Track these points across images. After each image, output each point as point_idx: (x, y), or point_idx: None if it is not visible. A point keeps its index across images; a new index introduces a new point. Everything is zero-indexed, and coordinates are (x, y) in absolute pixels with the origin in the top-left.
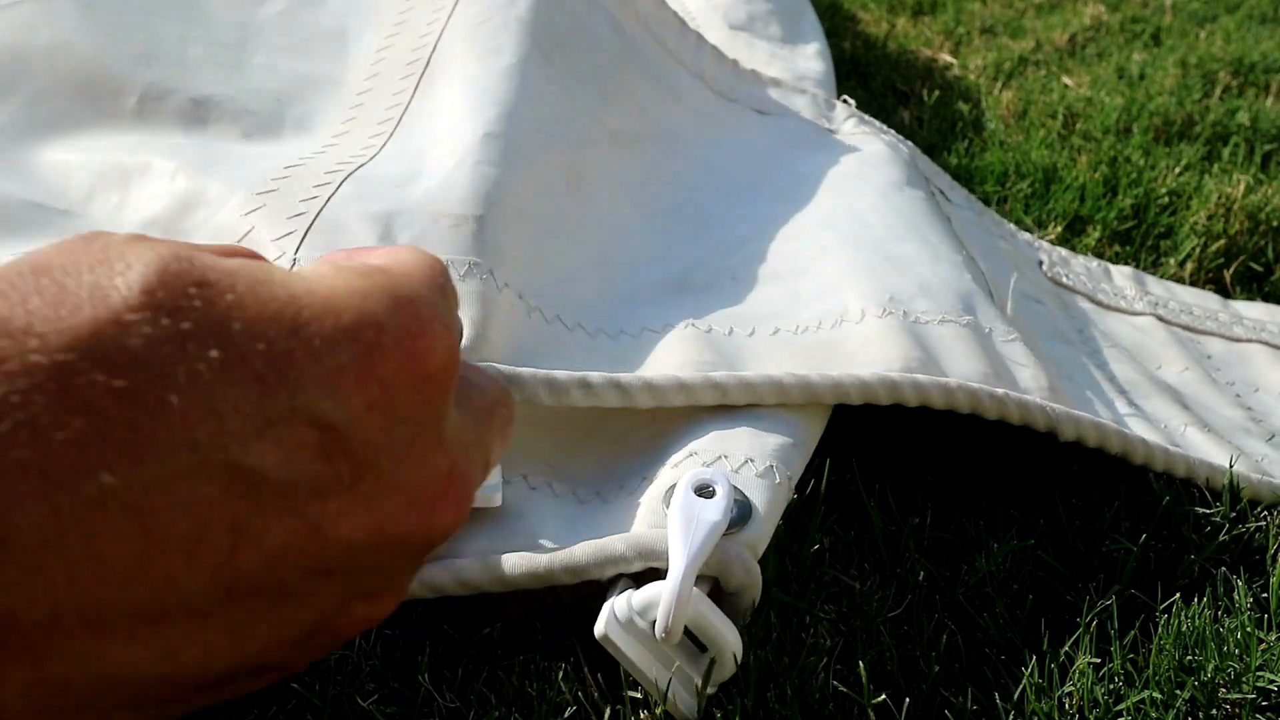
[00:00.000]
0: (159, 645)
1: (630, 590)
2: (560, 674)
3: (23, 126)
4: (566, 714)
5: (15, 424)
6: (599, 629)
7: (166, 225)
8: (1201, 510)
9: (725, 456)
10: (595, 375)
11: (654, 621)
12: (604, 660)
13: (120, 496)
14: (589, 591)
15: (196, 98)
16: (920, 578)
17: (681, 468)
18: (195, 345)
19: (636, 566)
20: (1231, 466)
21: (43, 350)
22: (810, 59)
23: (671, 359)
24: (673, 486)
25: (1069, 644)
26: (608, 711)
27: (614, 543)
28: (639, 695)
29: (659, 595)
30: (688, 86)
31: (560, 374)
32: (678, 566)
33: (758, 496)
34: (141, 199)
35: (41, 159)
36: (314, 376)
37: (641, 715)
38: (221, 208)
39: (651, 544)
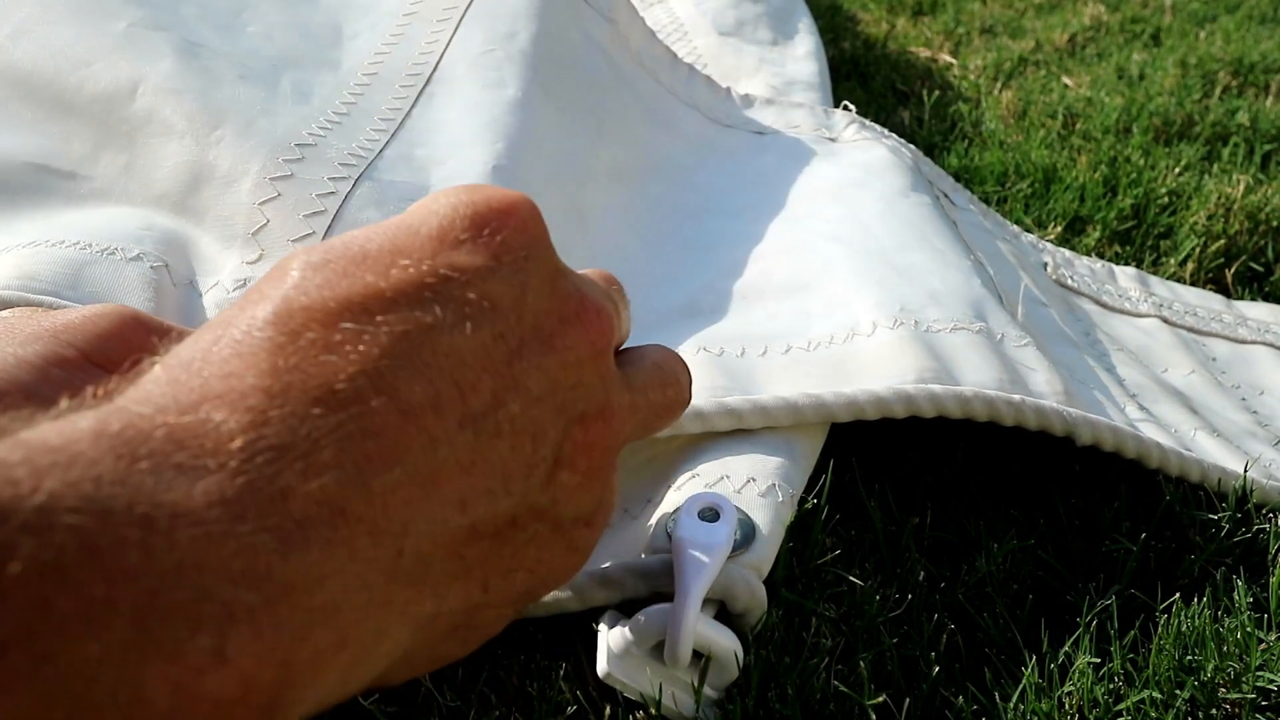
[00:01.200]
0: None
1: (622, 623)
2: (560, 674)
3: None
4: (566, 714)
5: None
6: (601, 669)
7: (178, 202)
8: (1202, 511)
9: (727, 477)
10: None
11: (654, 645)
12: None
13: (503, 413)
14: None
15: (191, 40)
16: (920, 578)
17: (684, 490)
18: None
19: (641, 592)
20: (1246, 472)
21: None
22: (801, 61)
23: None
24: (677, 510)
25: (1069, 644)
26: (608, 711)
27: (615, 571)
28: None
29: (656, 620)
30: (683, 116)
31: None
32: (684, 593)
33: (761, 517)
34: (148, 163)
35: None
36: (560, 418)
37: (640, 715)
38: (231, 187)
39: (654, 570)
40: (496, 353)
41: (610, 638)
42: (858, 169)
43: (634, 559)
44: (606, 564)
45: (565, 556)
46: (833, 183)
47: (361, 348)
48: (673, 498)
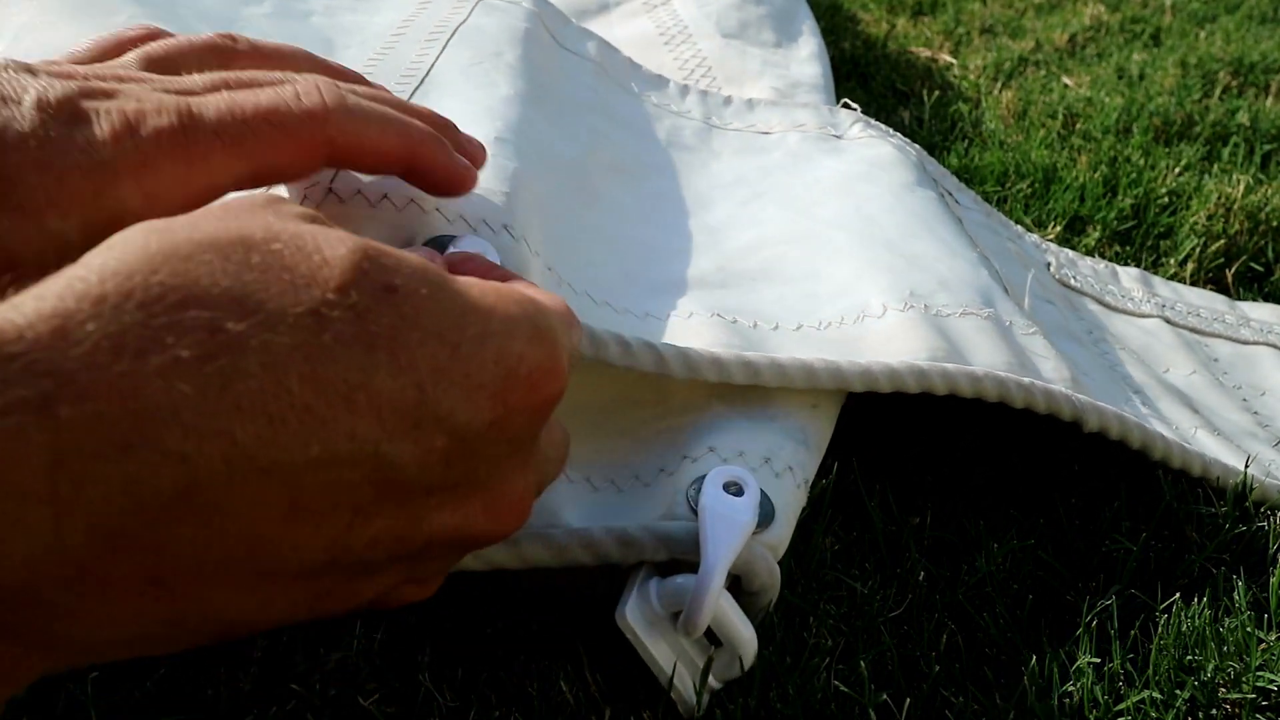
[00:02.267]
0: (260, 598)
1: (655, 578)
2: (560, 674)
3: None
4: (566, 714)
5: (219, 405)
6: (621, 610)
7: None
8: (1202, 510)
9: (743, 454)
10: (631, 336)
11: (675, 613)
12: (604, 660)
13: (285, 473)
14: (594, 590)
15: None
16: (920, 578)
17: (701, 463)
18: (377, 349)
19: (661, 556)
20: (1246, 468)
21: (256, 328)
22: (805, 63)
23: (699, 340)
24: (699, 480)
25: (1069, 644)
26: (608, 712)
27: (636, 530)
28: (640, 695)
29: (684, 588)
30: (682, 126)
31: (600, 328)
32: (711, 564)
33: (778, 498)
34: None
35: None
36: (462, 391)
37: (644, 715)
38: None
39: (677, 536)
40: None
41: (639, 588)
42: (864, 164)
43: (655, 522)
44: (625, 524)
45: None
46: (839, 176)
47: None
48: (690, 468)
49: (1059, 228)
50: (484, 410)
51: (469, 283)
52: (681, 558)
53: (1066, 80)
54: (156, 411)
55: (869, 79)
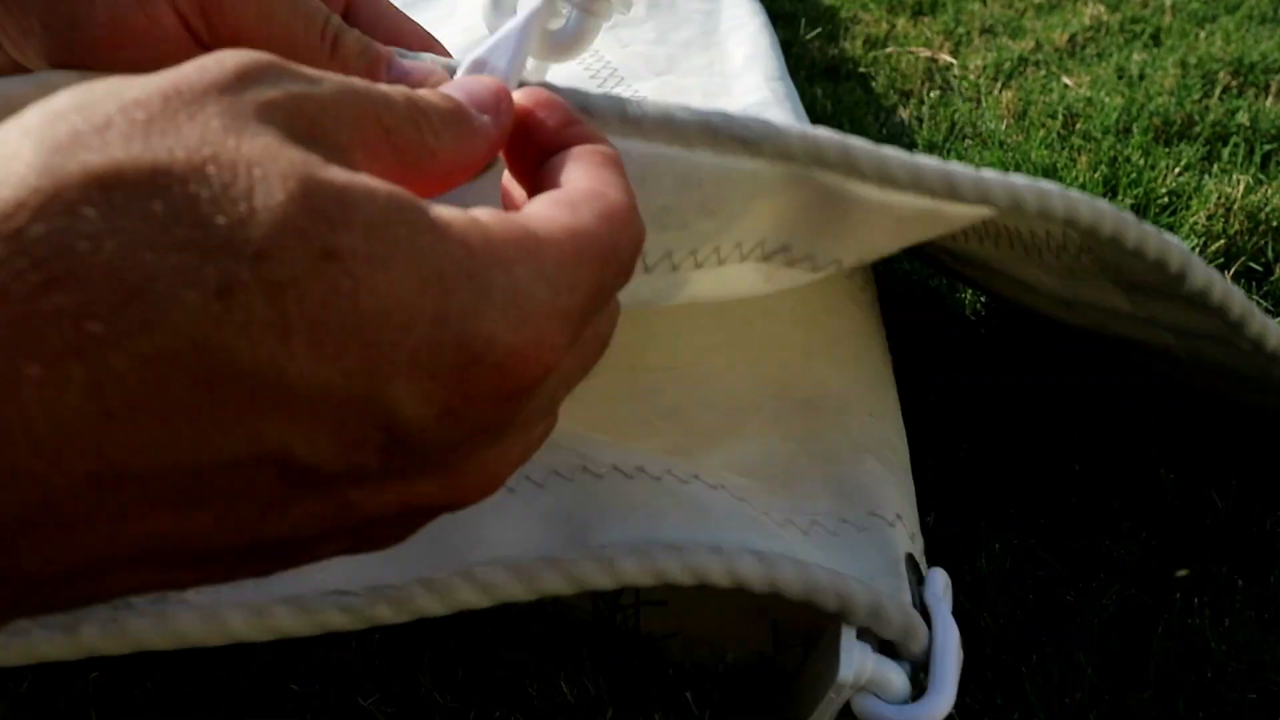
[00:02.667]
0: (178, 577)
1: (874, 656)
2: (560, 674)
3: None
4: (567, 714)
5: (90, 408)
6: (845, 673)
7: None
8: (1202, 509)
9: (900, 517)
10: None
11: (866, 684)
12: (604, 661)
13: (168, 479)
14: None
15: None
16: None
17: (897, 534)
18: (294, 337)
19: (868, 624)
20: None
21: (141, 322)
22: (743, 74)
23: None
24: (912, 559)
25: (1069, 644)
26: (610, 713)
27: (860, 594)
28: (651, 692)
29: (897, 683)
30: None
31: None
32: (946, 689)
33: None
34: None
35: None
36: (405, 380)
37: (655, 716)
38: None
39: (892, 621)
40: None
41: (862, 662)
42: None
43: (883, 596)
44: (845, 578)
45: None
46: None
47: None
48: (889, 535)
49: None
50: (434, 402)
51: (452, 227)
52: (892, 638)
53: (1066, 80)
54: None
55: (869, 79)
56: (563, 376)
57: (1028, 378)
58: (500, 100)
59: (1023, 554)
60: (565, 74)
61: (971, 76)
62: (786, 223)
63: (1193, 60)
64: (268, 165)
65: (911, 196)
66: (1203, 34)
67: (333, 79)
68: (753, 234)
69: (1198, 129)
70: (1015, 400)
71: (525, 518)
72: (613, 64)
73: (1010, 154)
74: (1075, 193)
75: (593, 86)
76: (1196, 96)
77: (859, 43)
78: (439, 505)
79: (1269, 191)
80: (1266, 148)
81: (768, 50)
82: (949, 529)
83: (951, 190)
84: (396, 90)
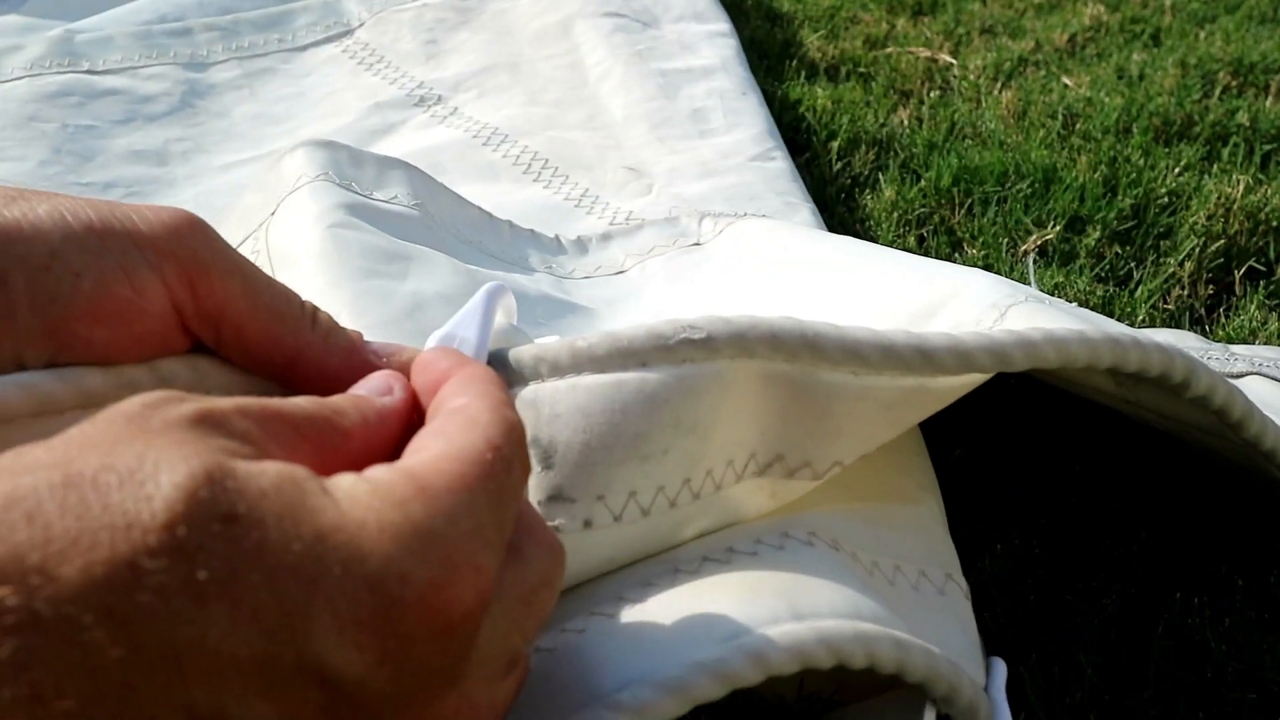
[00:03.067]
0: None
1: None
2: None
3: None
4: None
5: (15, 694)
6: None
7: None
8: (1202, 509)
9: (950, 576)
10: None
11: None
12: None
13: None
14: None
15: None
16: None
17: (962, 594)
18: (209, 599)
19: (943, 705)
20: None
21: (51, 600)
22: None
23: None
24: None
25: (1069, 644)
26: None
27: (948, 674)
28: None
29: None
30: (538, 282)
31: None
32: None
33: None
34: None
35: None
36: (327, 631)
37: None
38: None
39: (975, 711)
40: None
41: None
42: (751, 248)
43: (970, 681)
44: (936, 654)
45: None
46: (747, 268)
47: None
48: (957, 597)
49: (1059, 228)
50: (366, 650)
51: (341, 486)
52: (950, 714)
53: (1066, 80)
54: None
55: (869, 79)
56: (506, 611)
57: (1027, 378)
58: (395, 381)
59: (1023, 555)
60: (447, 137)
61: (971, 76)
62: (770, 428)
63: (1193, 60)
64: (174, 452)
65: (889, 378)
66: (1203, 34)
67: (231, 401)
68: (741, 447)
69: (1198, 129)
70: (1015, 400)
71: (639, 630)
72: (493, 125)
73: (1010, 154)
74: (1063, 331)
75: (478, 145)
76: (1196, 96)
77: (859, 43)
78: None
79: (1269, 191)
80: (1266, 148)
81: (642, 94)
82: (950, 529)
83: (929, 362)
84: (304, 399)
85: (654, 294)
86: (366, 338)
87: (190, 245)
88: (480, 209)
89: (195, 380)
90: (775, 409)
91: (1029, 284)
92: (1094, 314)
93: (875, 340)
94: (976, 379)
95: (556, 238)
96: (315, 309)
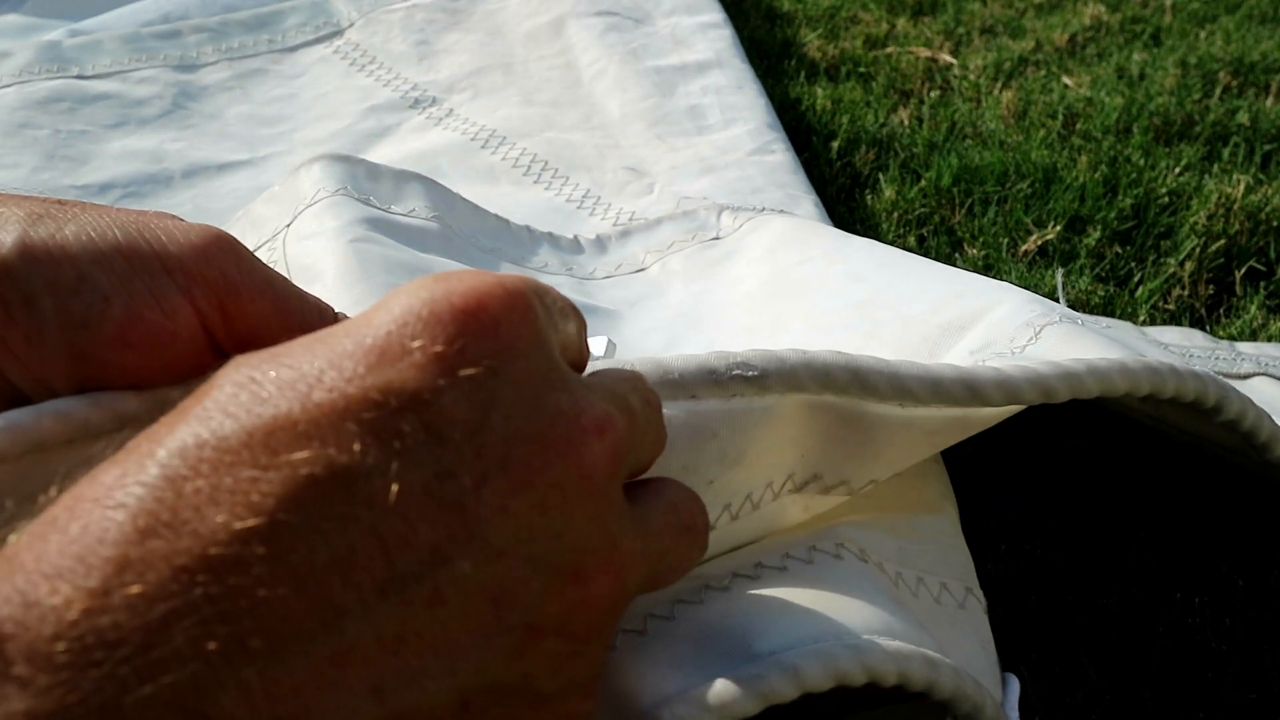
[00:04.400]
0: None
1: None
2: None
3: None
4: None
5: None
6: None
7: None
8: (1202, 509)
9: (970, 590)
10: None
11: None
12: None
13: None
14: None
15: None
16: None
17: (982, 609)
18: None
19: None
20: None
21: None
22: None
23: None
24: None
25: (1069, 644)
26: None
27: (973, 693)
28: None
29: None
30: (558, 285)
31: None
32: None
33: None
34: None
35: None
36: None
37: None
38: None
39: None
40: (441, 496)
41: None
42: (779, 249)
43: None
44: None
45: None
46: (768, 274)
47: (255, 497)
48: (978, 610)
49: (1059, 228)
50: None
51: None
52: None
53: (1066, 80)
54: None
55: (869, 79)
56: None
57: None
58: None
59: (1023, 555)
60: (445, 141)
61: (971, 76)
62: (811, 451)
63: (1193, 60)
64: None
65: (934, 409)
66: (1203, 34)
67: None
68: (780, 469)
69: (1198, 129)
70: None
71: (671, 647)
72: (489, 127)
73: (1010, 154)
74: (1104, 363)
75: (476, 148)
76: (1197, 96)
77: (859, 43)
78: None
79: (1269, 191)
80: (1267, 147)
81: (639, 93)
82: None
83: (976, 396)
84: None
85: (676, 293)
86: None
87: (220, 266)
88: (498, 216)
89: None
90: (818, 435)
91: (1058, 299)
92: (1122, 328)
93: (924, 377)
94: (1018, 408)
95: (575, 238)
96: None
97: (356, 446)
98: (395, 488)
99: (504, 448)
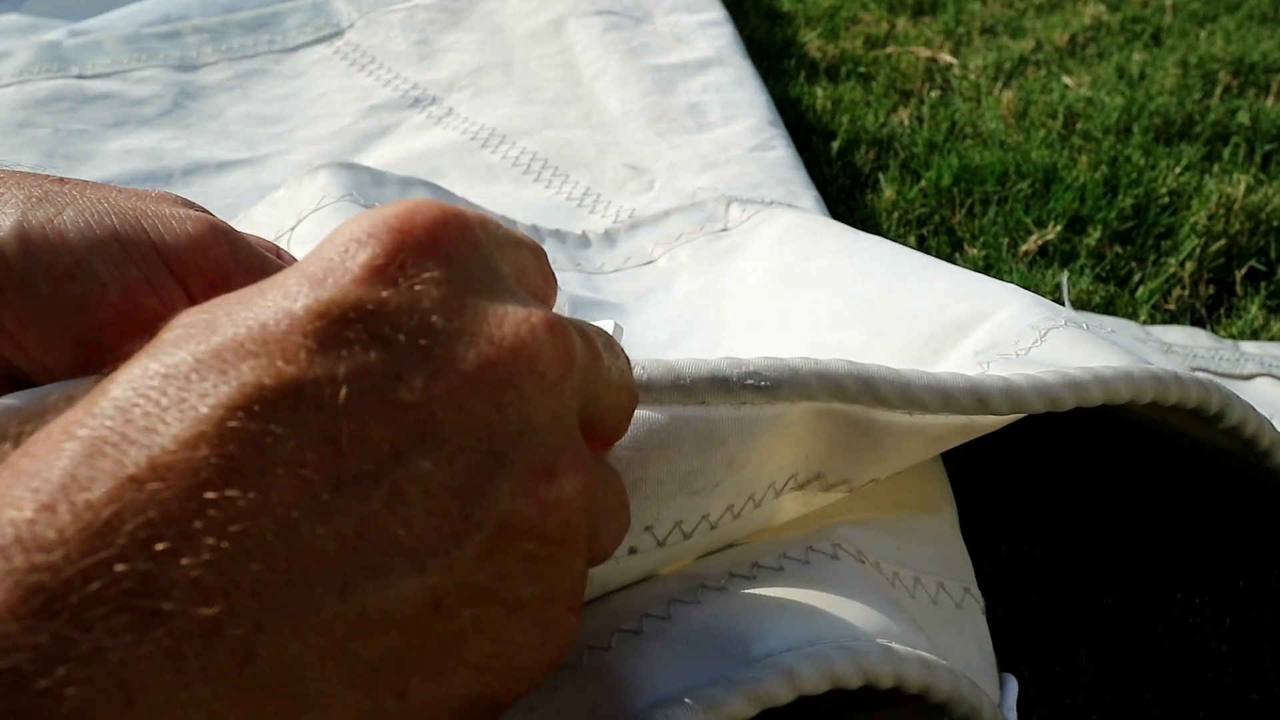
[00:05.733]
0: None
1: None
2: None
3: None
4: None
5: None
6: None
7: None
8: (1202, 509)
9: (968, 590)
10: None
11: None
12: None
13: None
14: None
15: None
16: None
17: (980, 608)
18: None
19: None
20: None
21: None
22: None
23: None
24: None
25: (1069, 644)
26: None
27: (970, 695)
28: None
29: None
30: (567, 281)
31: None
32: None
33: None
34: None
35: None
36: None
37: None
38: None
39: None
40: (392, 397)
41: None
42: (787, 242)
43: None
44: (958, 673)
45: (535, 647)
46: (776, 267)
47: (204, 409)
48: (978, 610)
49: (1059, 227)
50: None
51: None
52: None
53: (1067, 80)
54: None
55: (869, 78)
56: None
57: None
58: None
59: (1023, 555)
60: (445, 140)
61: (971, 76)
62: (816, 453)
63: (1193, 60)
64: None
65: (943, 417)
66: (1203, 34)
67: None
68: (784, 470)
69: (1198, 129)
70: None
71: (667, 648)
72: (489, 126)
73: (1010, 154)
74: (1109, 372)
75: (476, 147)
76: (1197, 96)
77: (859, 43)
78: (516, 669)
79: (1270, 191)
80: (1267, 147)
81: (639, 90)
82: None
83: (984, 406)
84: None
85: (683, 286)
86: None
87: (215, 256)
88: (504, 218)
89: None
90: (824, 439)
91: (1062, 302)
92: (1126, 329)
93: (934, 387)
94: (1022, 414)
95: (584, 233)
96: None
97: (303, 355)
98: (344, 391)
99: (451, 347)
